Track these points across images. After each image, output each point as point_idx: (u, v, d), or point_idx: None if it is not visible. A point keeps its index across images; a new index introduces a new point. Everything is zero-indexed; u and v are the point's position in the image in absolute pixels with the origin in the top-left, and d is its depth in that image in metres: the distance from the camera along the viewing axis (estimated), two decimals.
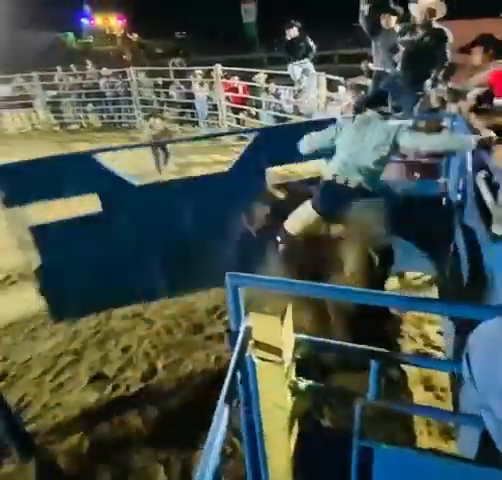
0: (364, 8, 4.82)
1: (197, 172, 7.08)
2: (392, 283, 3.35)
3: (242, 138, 9.39)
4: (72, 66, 12.09)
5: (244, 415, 1.47)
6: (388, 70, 4.93)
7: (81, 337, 3.28)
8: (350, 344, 1.31)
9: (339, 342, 1.34)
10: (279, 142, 3.13)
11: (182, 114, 11.02)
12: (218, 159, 8.22)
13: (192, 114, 10.78)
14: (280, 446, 1.55)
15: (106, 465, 2.31)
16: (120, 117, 11.32)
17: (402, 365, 2.42)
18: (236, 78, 9.84)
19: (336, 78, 7.29)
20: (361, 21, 4.96)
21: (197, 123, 10.75)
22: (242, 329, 1.34)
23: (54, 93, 11.53)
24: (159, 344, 3.13)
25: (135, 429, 2.51)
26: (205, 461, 1.00)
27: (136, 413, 2.58)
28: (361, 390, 1.32)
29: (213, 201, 3.14)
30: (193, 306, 3.52)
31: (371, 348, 1.28)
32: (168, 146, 6.91)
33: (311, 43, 7.40)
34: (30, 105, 11.46)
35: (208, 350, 3.01)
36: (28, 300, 3.43)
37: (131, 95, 10.88)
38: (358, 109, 2.83)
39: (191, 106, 10.61)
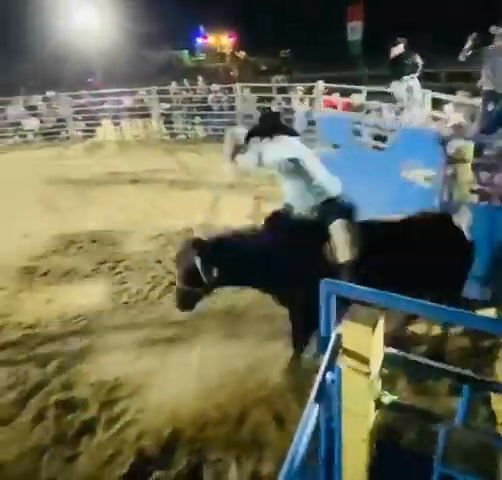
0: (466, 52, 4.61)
1: None
2: None
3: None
4: (185, 81, 13.01)
5: (324, 422, 1.49)
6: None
7: None
8: (444, 365, 1.28)
9: (432, 362, 1.32)
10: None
11: None
12: None
13: None
14: (357, 457, 1.55)
15: (183, 451, 2.46)
16: (223, 130, 11.90)
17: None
18: (337, 95, 9.85)
19: (442, 96, 6.98)
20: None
21: None
22: (333, 336, 1.38)
23: (168, 106, 12.49)
24: None
25: (215, 421, 2.63)
26: (291, 458, 1.04)
27: (214, 405, 2.71)
28: (447, 412, 1.28)
29: None
30: None
31: (466, 372, 1.24)
32: None
33: (418, 60, 7.15)
34: (147, 116, 12.54)
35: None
36: None
37: (235, 109, 11.40)
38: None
39: (290, 121, 10.81)
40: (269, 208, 6.08)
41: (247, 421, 2.62)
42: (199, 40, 34.59)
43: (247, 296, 3.61)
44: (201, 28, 34.42)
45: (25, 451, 2.50)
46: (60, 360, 3.21)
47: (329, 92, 9.82)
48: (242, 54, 31.90)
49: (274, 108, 11.19)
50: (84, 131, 13.04)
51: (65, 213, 6.59)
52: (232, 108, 11.50)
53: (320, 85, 9.56)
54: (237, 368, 2.92)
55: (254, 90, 11.87)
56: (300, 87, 10.89)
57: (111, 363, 3.14)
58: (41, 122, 13.17)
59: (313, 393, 1.20)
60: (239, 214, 6.10)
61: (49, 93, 13.32)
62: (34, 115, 13.13)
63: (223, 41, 34.20)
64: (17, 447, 2.52)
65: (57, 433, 2.62)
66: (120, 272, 4.58)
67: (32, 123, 12.96)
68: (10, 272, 4.72)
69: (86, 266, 4.74)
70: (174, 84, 12.98)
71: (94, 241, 5.43)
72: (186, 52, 33.87)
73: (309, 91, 10.29)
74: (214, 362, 3.01)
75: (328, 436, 1.54)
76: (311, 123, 10.25)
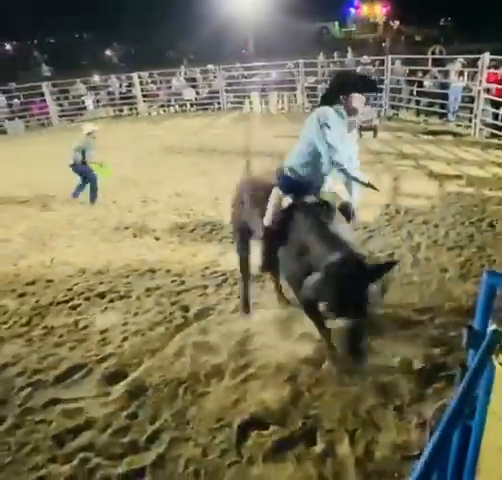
0: None
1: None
2: None
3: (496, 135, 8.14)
4: (335, 54, 12.49)
5: (461, 417, 1.35)
6: None
7: None
8: None
9: None
10: None
11: (431, 105, 10.19)
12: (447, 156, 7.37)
13: (442, 105, 9.85)
14: (492, 467, 1.38)
15: (300, 413, 2.51)
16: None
17: None
18: None
19: None
20: None
21: (445, 115, 9.78)
22: (489, 331, 1.22)
23: (313, 79, 12.20)
24: None
25: (333, 392, 2.62)
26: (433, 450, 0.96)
27: (333, 379, 2.70)
28: None
29: None
30: None
31: None
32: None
33: None
34: (293, 89, 12.46)
35: None
36: None
37: (383, 83, 10.61)
38: None
39: (443, 97, 9.68)
40: (408, 187, 5.79)
41: (365, 400, 2.54)
42: (351, 10, 32.71)
43: None
44: None
45: (166, 380, 2.82)
46: (199, 308, 3.50)
47: (497, 66, 8.45)
48: (396, 24, 29.31)
49: (427, 82, 10.11)
50: (233, 103, 13.58)
51: (212, 177, 7.02)
52: (381, 81, 10.71)
53: (486, 57, 8.27)
54: None
55: (407, 62, 10.86)
56: (461, 59, 9.60)
57: (234, 318, 3.30)
58: (197, 93, 14.08)
59: (461, 387, 1.08)
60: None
61: (209, 66, 14.09)
62: (193, 86, 14.09)
63: (376, 11, 31.82)
64: (159, 375, 2.85)
65: (192, 370, 2.89)
66: None
67: (190, 94, 13.94)
68: (164, 225, 5.26)
69: (227, 227, 5.02)
70: (322, 56, 12.58)
71: None
72: (336, 23, 32.45)
73: (472, 64, 8.99)
74: None
75: (463, 434, 1.40)
76: (469, 99, 9.05)
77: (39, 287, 4.09)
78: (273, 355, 2.92)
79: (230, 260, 4.12)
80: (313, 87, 12.23)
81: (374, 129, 8.76)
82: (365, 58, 11.61)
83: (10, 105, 13.25)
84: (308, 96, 12.21)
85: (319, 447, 2.32)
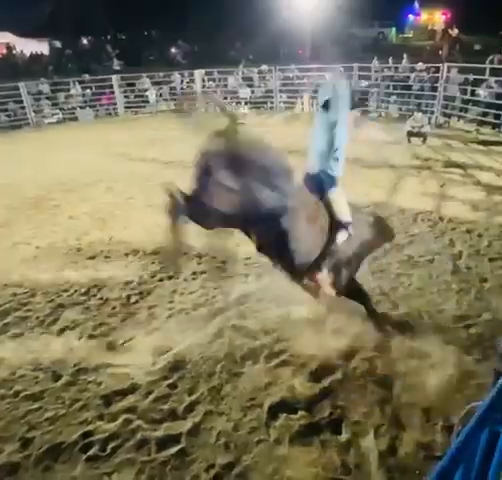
0: None
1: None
2: None
3: None
4: (390, 59, 12.05)
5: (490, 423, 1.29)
6: None
7: None
8: None
9: None
10: None
11: (485, 115, 9.62)
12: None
13: (496, 116, 9.27)
14: None
15: (328, 403, 2.50)
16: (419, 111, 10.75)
17: None
18: None
19: None
20: None
21: (499, 126, 9.20)
22: None
23: (366, 83, 11.85)
24: None
25: (357, 386, 2.59)
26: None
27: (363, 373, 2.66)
28: None
29: None
30: None
31: None
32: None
33: None
34: None
35: None
36: None
37: (436, 90, 10.13)
38: None
39: (498, 107, 9.11)
40: (454, 195, 5.54)
41: (393, 399, 2.50)
42: (410, 17, 31.28)
43: None
44: (416, 4, 30.96)
45: (205, 357, 2.90)
46: (240, 295, 3.55)
47: None
48: (455, 32, 27.71)
49: (482, 91, 9.54)
50: (286, 103, 13.47)
51: None
52: (434, 89, 10.24)
53: None
54: None
55: (463, 71, 10.28)
56: None
57: (271, 307, 3.31)
58: (252, 92, 14.07)
59: (491, 392, 1.04)
60: (418, 196, 5.59)
61: (264, 66, 14.03)
62: (249, 85, 14.09)
63: (435, 18, 30.23)
64: (199, 352, 2.94)
65: (229, 351, 2.95)
66: None
67: (246, 92, 13.96)
68: None
69: None
70: (376, 61, 12.17)
71: None
72: (394, 29, 31.17)
73: None
74: None
75: (490, 439, 1.34)
76: None
77: (98, 262, 4.31)
78: (306, 346, 2.92)
79: None
80: (365, 91, 11.88)
81: (424, 135, 8.40)
82: (420, 65, 11.12)
83: (83, 95, 13.86)
84: (360, 100, 11.87)
85: (344, 436, 2.31)
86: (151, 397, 2.61)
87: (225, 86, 14.30)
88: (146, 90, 14.20)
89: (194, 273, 3.96)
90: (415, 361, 2.71)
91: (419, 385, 2.56)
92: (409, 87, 10.93)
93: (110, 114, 13.95)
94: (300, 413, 2.45)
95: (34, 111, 12.76)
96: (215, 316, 3.30)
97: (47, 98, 13.37)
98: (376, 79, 11.80)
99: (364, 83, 11.87)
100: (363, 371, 2.69)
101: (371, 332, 2.92)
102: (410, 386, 2.56)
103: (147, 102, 14.21)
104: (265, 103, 13.73)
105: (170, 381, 2.71)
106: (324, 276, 2.59)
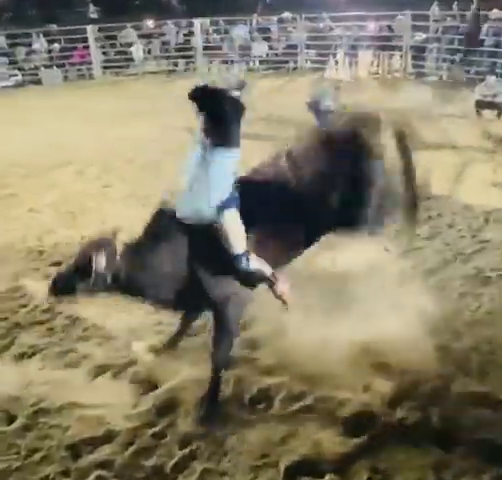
0: None
1: None
2: None
3: None
4: (454, 5, 11.98)
5: None
6: None
7: None
8: None
9: None
10: None
11: None
12: None
13: None
14: None
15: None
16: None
17: None
18: None
19: None
20: None
21: None
22: None
23: (423, 36, 11.80)
24: None
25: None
26: None
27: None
28: None
29: None
30: None
31: None
32: None
33: None
34: (392, 48, 12.13)
35: None
36: None
37: None
38: None
39: None
40: None
41: (450, 463, 2.46)
42: None
43: None
44: None
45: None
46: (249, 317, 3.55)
47: None
48: None
49: None
50: (314, 62, 13.48)
51: None
52: None
53: None
54: None
55: None
56: None
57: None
58: (270, 48, 14.12)
59: None
60: (490, 188, 5.56)
61: (285, 14, 14.06)
62: (265, 39, 14.15)
63: None
64: (195, 390, 2.93)
65: (235, 391, 2.94)
66: None
67: (261, 48, 14.01)
68: None
69: None
70: (436, 8, 12.13)
71: None
72: None
73: None
74: None
75: None
76: None
77: None
78: (337, 386, 2.91)
79: None
80: (421, 47, 11.83)
81: (498, 107, 8.33)
82: (496, 12, 11.03)
83: (49, 51, 14.09)
84: (413, 58, 11.84)
85: None
86: (131, 449, 2.62)
87: (231, 41, 14.41)
88: (131, 45, 14.37)
89: None
90: (484, 411, 2.68)
91: (489, 442, 2.53)
92: (480, 42, 10.85)
93: (83, 76, 14.15)
94: (328, 477, 2.44)
95: None
96: None
97: (3, 55, 13.63)
98: (436, 31, 11.75)
99: (420, 36, 11.83)
100: (413, 423, 2.67)
101: (426, 372, 2.90)
102: (477, 443, 2.53)
103: (131, 61, 14.38)
104: (286, 62, 13.77)
105: (156, 428, 2.73)
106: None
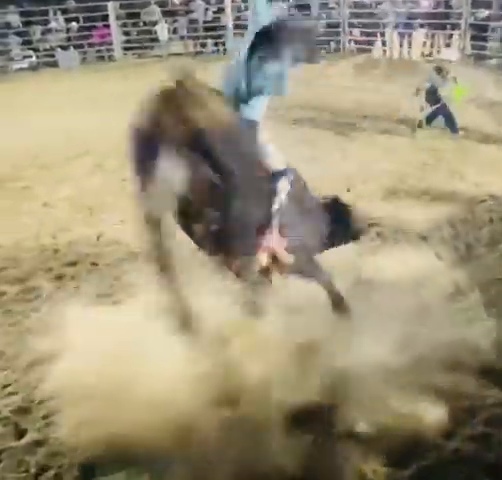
0: None
1: None
2: None
3: None
4: None
5: None
6: None
7: None
8: None
9: None
10: None
11: None
12: None
13: None
14: None
15: None
16: None
17: None
18: None
19: None
20: None
21: None
22: None
23: (485, 13, 11.57)
24: None
25: None
26: None
27: None
28: None
29: None
30: None
31: None
32: None
33: None
34: (451, 26, 11.91)
35: None
36: None
37: None
38: None
39: None
40: None
41: None
42: None
43: None
44: None
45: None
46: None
47: None
48: None
49: None
50: (359, 42, 13.39)
51: (321, 152, 6.97)
52: None
53: None
54: None
55: None
56: None
57: None
58: None
59: None
60: None
61: None
62: (304, 16, 14.08)
63: None
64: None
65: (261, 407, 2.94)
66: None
67: None
68: None
69: None
70: None
71: None
72: None
73: None
74: None
75: None
76: None
77: (80, 270, 4.44)
78: (382, 410, 2.88)
79: None
80: (483, 25, 11.59)
81: None
82: None
83: (67, 30, 14.36)
84: (473, 38, 11.61)
85: None
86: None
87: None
88: (155, 24, 14.52)
89: None
90: None
91: None
92: None
93: (103, 58, 14.38)
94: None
95: None
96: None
97: (17, 34, 13.93)
98: (500, 7, 11.50)
99: (482, 13, 11.60)
100: (469, 455, 2.63)
101: (483, 398, 2.85)
102: None
103: (156, 41, 14.53)
104: (327, 43, 13.70)
105: None
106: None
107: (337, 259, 4.06)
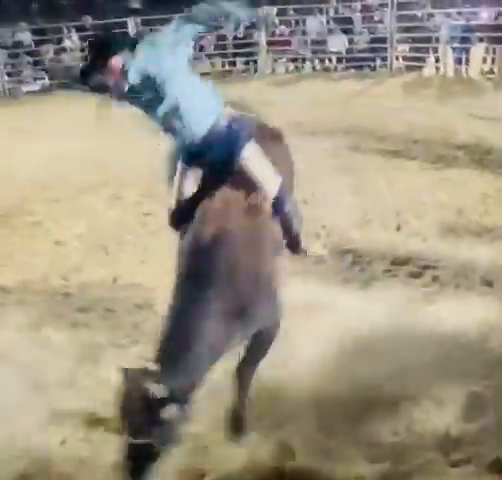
0: None
1: None
2: None
3: None
4: None
5: None
6: None
7: None
8: None
9: None
10: None
11: None
12: None
13: None
14: None
15: None
16: None
17: None
18: None
19: None
20: None
21: None
22: None
23: None
24: None
25: None
26: None
27: None
28: None
29: None
30: None
31: None
32: None
33: None
34: None
35: None
36: None
37: None
38: None
39: None
40: None
41: None
42: None
43: None
44: None
45: None
46: None
47: None
48: None
49: None
50: (407, 59, 13.46)
51: (361, 177, 7.02)
52: None
53: None
54: None
55: None
56: None
57: None
58: (351, 42, 14.25)
59: None
60: None
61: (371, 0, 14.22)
62: (345, 32, 14.33)
63: None
64: None
65: None
66: None
67: (339, 42, 14.18)
68: None
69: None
70: None
71: None
72: None
73: None
74: None
75: None
76: None
77: (94, 318, 4.48)
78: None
79: None
80: None
81: None
82: None
83: (82, 49, 14.83)
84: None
85: None
86: None
87: (303, 34, 14.66)
88: None
89: None
90: None
91: None
92: None
93: None
94: None
95: (8, 74, 13.87)
96: None
97: (28, 53, 14.43)
98: None
99: None
100: None
101: None
102: None
103: None
104: (372, 60, 13.84)
105: None
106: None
107: (387, 308, 4.07)
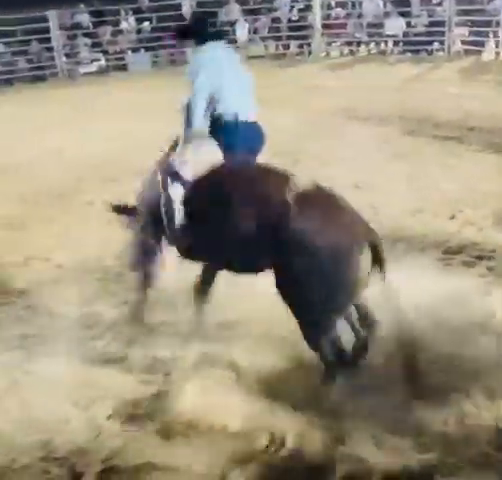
0: None
1: None
2: None
3: None
4: None
5: None
6: None
7: None
8: None
9: None
10: None
11: None
12: None
13: None
14: None
15: None
16: None
17: None
18: None
19: None
20: None
21: None
22: None
23: None
24: None
25: None
26: None
27: None
28: None
29: None
30: None
31: None
32: None
33: None
34: None
35: None
36: None
37: None
38: None
39: None
40: None
41: None
42: None
43: None
44: None
45: None
46: None
47: None
48: None
49: None
50: (465, 43, 13.14)
51: (415, 164, 6.88)
52: None
53: None
54: None
55: None
56: None
57: None
58: (408, 25, 13.99)
59: None
60: None
61: None
62: (402, 14, 14.06)
63: None
64: None
65: None
66: None
67: (396, 25, 13.91)
68: None
69: None
70: None
71: None
72: None
73: None
74: None
75: None
76: None
77: None
78: None
79: None
80: None
81: None
82: None
83: (138, 31, 14.97)
84: None
85: None
86: None
87: (358, 16, 14.44)
88: (233, 23, 14.87)
89: None
90: None
91: None
92: None
93: (175, 62, 14.80)
94: None
95: (66, 55, 14.09)
96: None
97: (86, 35, 14.65)
98: None
99: None
100: None
101: None
102: None
103: (233, 42, 14.84)
104: (429, 44, 13.56)
105: None
106: None
107: (440, 297, 3.99)
